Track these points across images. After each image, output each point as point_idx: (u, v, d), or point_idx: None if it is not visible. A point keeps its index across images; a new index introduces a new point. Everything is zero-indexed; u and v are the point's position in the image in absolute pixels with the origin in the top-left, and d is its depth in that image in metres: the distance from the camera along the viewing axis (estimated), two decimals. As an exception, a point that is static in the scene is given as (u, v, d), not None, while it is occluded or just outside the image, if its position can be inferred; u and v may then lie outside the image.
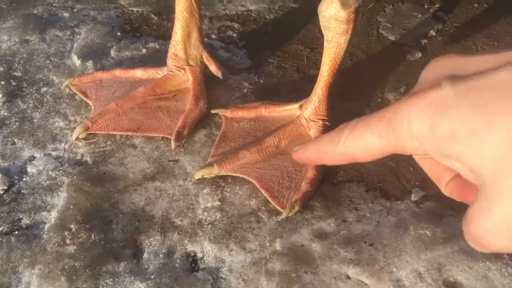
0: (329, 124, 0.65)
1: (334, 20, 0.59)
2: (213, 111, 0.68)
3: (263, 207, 0.58)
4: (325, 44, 0.62)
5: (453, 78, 0.32)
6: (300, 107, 0.67)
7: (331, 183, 0.61)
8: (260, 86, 0.74)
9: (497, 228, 0.32)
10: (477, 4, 0.89)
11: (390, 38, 0.84)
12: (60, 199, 0.58)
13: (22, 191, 0.59)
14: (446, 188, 0.38)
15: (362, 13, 0.87)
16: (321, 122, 0.65)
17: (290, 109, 0.68)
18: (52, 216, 0.56)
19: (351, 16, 0.58)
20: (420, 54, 0.81)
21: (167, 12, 0.87)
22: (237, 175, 0.60)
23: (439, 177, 0.38)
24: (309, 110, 0.65)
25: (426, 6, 0.89)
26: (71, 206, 0.57)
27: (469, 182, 0.34)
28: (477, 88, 0.31)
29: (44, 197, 0.58)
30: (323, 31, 0.61)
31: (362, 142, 0.37)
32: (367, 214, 0.58)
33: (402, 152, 0.36)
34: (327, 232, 0.56)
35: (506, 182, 0.31)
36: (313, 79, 0.73)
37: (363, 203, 0.59)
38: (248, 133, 0.66)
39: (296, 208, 0.56)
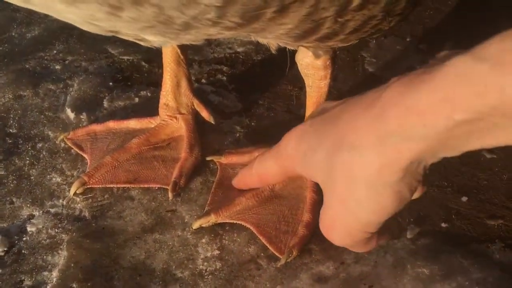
0: None
1: (311, 68, 0.61)
2: (208, 158, 0.69)
3: (262, 254, 0.59)
4: (307, 89, 0.65)
5: (315, 116, 0.45)
6: None
7: (327, 224, 0.62)
8: (252, 129, 0.76)
9: (331, 223, 0.42)
10: (457, 35, 0.92)
11: (376, 73, 0.86)
12: (60, 258, 0.58)
13: (23, 251, 0.59)
14: None
15: (347, 50, 0.90)
16: None
17: None
18: (53, 276, 0.56)
19: (327, 63, 0.61)
20: (406, 88, 0.83)
21: (157, 59, 0.88)
22: (235, 221, 0.61)
23: None
24: None
25: (408, 39, 0.92)
26: (72, 265, 0.57)
27: None
28: (321, 119, 0.43)
29: (44, 257, 0.59)
30: (303, 77, 0.64)
31: (265, 166, 0.51)
32: (365, 255, 0.59)
33: (290, 173, 0.49)
34: (326, 275, 0.57)
35: (329, 187, 0.41)
36: (303, 119, 0.75)
37: (360, 243, 0.60)
38: None
39: (294, 253, 0.57)
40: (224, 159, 0.68)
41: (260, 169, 0.53)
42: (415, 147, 0.35)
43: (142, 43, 0.46)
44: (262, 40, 0.53)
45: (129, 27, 0.41)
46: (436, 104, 0.32)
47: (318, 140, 0.41)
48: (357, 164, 0.37)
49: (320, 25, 0.45)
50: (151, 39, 0.44)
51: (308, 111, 0.66)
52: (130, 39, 0.44)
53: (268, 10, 0.40)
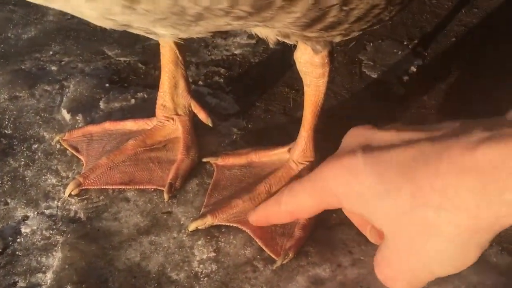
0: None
1: (309, 65, 0.61)
2: (204, 160, 0.69)
3: (258, 256, 0.59)
4: (305, 88, 0.64)
5: (365, 148, 0.40)
6: (289, 150, 0.68)
7: (324, 227, 0.62)
8: (249, 131, 0.75)
9: (396, 275, 0.40)
10: (454, 39, 0.92)
11: (373, 76, 0.86)
12: (55, 259, 0.58)
13: (17, 252, 0.59)
14: (370, 235, 0.45)
15: (344, 52, 0.90)
16: (309, 164, 0.66)
17: (279, 153, 0.69)
18: (47, 278, 0.56)
19: (326, 60, 0.60)
20: (403, 91, 0.83)
21: (154, 60, 0.88)
22: (231, 224, 0.61)
23: (363, 227, 0.46)
24: (297, 153, 0.66)
25: (405, 43, 0.92)
26: (67, 266, 0.57)
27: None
28: (380, 160, 0.39)
29: (39, 258, 0.58)
30: (301, 75, 0.63)
31: (298, 201, 0.45)
32: (361, 257, 0.58)
33: (329, 207, 0.44)
34: (323, 278, 0.56)
35: (399, 239, 0.38)
36: (300, 121, 0.75)
37: (356, 245, 0.60)
38: (240, 180, 0.67)
39: (290, 255, 0.57)
40: (221, 161, 0.68)
41: (290, 205, 0.46)
42: None
43: (152, 37, 0.46)
44: (261, 33, 0.53)
45: (142, 20, 0.41)
46: None
47: (386, 188, 0.38)
48: (446, 223, 0.35)
49: (326, 14, 0.45)
50: (162, 32, 0.44)
51: (306, 111, 0.65)
52: (141, 32, 0.45)
53: None
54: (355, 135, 0.42)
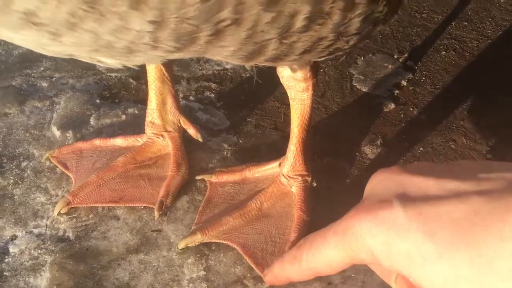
0: (310, 179, 0.66)
1: (292, 80, 0.61)
2: (198, 177, 0.68)
3: (248, 274, 0.58)
4: (290, 102, 0.64)
5: (402, 198, 0.36)
6: (280, 165, 0.68)
7: (314, 243, 0.62)
8: (240, 147, 0.75)
9: None
10: (444, 52, 0.93)
11: (363, 90, 0.86)
12: (43, 280, 0.57)
13: (5, 273, 0.58)
14: (396, 284, 0.40)
15: (335, 67, 0.90)
16: (300, 178, 0.66)
17: (271, 168, 0.69)
18: (35, 299, 0.55)
19: (308, 75, 0.60)
20: (393, 105, 0.83)
21: (145, 76, 0.87)
22: (221, 241, 0.61)
23: (387, 277, 0.41)
24: (286, 168, 0.66)
25: (395, 56, 0.92)
26: (55, 287, 0.56)
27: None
28: (428, 217, 0.35)
29: (27, 279, 0.57)
30: (286, 89, 0.63)
31: (322, 257, 0.40)
32: (352, 275, 0.58)
33: (361, 263, 0.39)
34: (313, 296, 0.56)
35: None
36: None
37: (347, 262, 0.60)
38: (232, 197, 0.66)
39: (280, 275, 0.56)
40: (215, 178, 0.68)
41: (313, 263, 0.41)
42: None
43: (102, 65, 0.45)
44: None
45: (77, 51, 0.40)
46: None
47: (438, 249, 0.34)
48: None
49: (264, 47, 0.43)
50: (108, 61, 0.43)
51: (293, 124, 0.65)
52: (89, 61, 0.44)
53: (202, 34, 0.39)
54: (384, 181, 0.38)
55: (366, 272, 0.59)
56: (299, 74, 0.60)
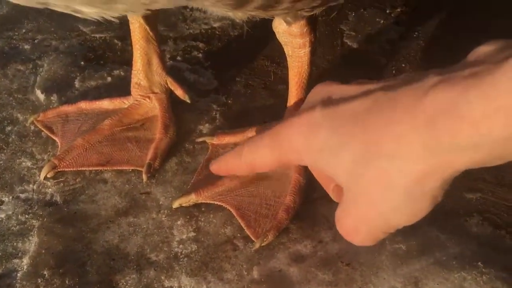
0: None
1: (288, 35, 0.59)
2: (199, 140, 0.67)
3: (239, 234, 0.58)
4: (288, 59, 0.62)
5: (324, 102, 0.39)
6: None
7: (305, 201, 0.61)
8: (229, 107, 0.74)
9: (355, 226, 0.39)
10: (437, 6, 0.90)
11: (354, 47, 0.84)
12: (31, 244, 0.57)
13: (-8, 238, 0.58)
14: (332, 193, 0.44)
15: (325, 23, 0.88)
16: None
17: None
18: (24, 263, 0.55)
19: (304, 30, 0.58)
20: (385, 60, 0.82)
21: (130, 36, 0.85)
22: (215, 203, 0.60)
23: (326, 184, 0.45)
24: None
25: (388, 11, 0.90)
26: (43, 251, 0.56)
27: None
28: (337, 113, 0.38)
29: (15, 243, 0.57)
30: (282, 46, 0.61)
31: (258, 155, 0.45)
32: (342, 232, 0.58)
33: (290, 162, 0.44)
34: (304, 254, 0.56)
35: (356, 190, 0.38)
36: (281, 95, 0.73)
37: (337, 220, 0.59)
38: None
39: (269, 238, 0.56)
40: (216, 140, 0.66)
41: (250, 158, 0.46)
42: (467, 158, 0.32)
43: (79, 15, 0.43)
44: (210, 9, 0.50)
45: None
46: (491, 113, 0.30)
47: (340, 141, 0.37)
48: (397, 172, 0.35)
49: None
50: (85, 10, 0.41)
51: (291, 83, 0.63)
52: (66, 11, 0.42)
53: None
54: (318, 91, 0.41)
55: (357, 230, 0.58)
56: (295, 29, 0.57)
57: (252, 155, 0.46)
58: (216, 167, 0.51)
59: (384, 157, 0.35)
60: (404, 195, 0.35)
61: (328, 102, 0.39)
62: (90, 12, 0.42)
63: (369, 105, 0.36)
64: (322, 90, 0.41)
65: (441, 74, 0.34)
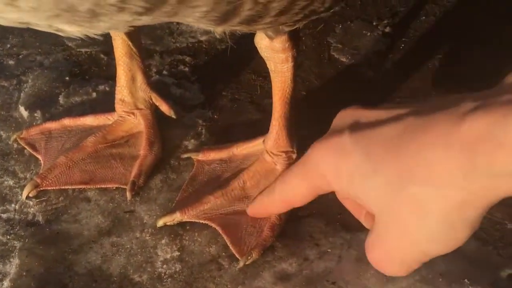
0: (295, 155, 0.64)
1: (270, 50, 0.58)
2: (184, 156, 0.66)
3: (224, 253, 0.57)
4: (271, 74, 0.62)
5: (352, 127, 0.39)
6: (264, 141, 0.66)
7: (291, 219, 0.61)
8: (215, 122, 0.73)
9: (388, 256, 0.38)
10: (424, 17, 0.90)
11: (342, 59, 0.84)
12: (12, 266, 0.56)
13: (-28, 260, 0.57)
14: (365, 221, 0.43)
15: (312, 36, 0.87)
16: (284, 154, 0.63)
17: (257, 144, 0.66)
18: (4, 286, 0.54)
19: (287, 45, 0.57)
20: (372, 73, 0.81)
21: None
22: (201, 221, 0.59)
23: (358, 213, 0.44)
24: (269, 144, 0.64)
25: (374, 23, 0.90)
26: (24, 273, 0.55)
27: None
28: (367, 138, 0.37)
29: (-5, 266, 0.56)
30: (265, 61, 0.61)
31: (290, 188, 0.44)
32: (329, 250, 0.57)
33: (322, 191, 0.42)
34: (289, 273, 0.55)
35: (388, 218, 0.36)
36: (268, 110, 0.72)
37: (323, 238, 0.59)
38: (218, 175, 0.64)
39: (254, 256, 0.55)
40: (201, 156, 0.66)
41: (283, 192, 0.45)
42: (509, 185, 0.32)
43: (62, 34, 0.42)
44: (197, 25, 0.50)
45: (35, 17, 0.37)
46: None
47: (372, 167, 0.37)
48: (433, 199, 0.34)
49: (239, 7, 0.41)
50: (67, 29, 0.41)
51: (275, 98, 0.63)
52: (48, 30, 0.41)
53: None
54: (344, 116, 0.41)
55: (343, 247, 0.58)
56: (277, 44, 0.57)
57: (284, 188, 0.45)
58: (253, 211, 0.51)
59: (417, 184, 0.34)
60: (441, 223, 0.34)
61: (356, 127, 0.38)
62: (73, 31, 0.41)
63: (400, 131, 0.36)
64: (349, 114, 0.40)
65: (477, 100, 0.33)
